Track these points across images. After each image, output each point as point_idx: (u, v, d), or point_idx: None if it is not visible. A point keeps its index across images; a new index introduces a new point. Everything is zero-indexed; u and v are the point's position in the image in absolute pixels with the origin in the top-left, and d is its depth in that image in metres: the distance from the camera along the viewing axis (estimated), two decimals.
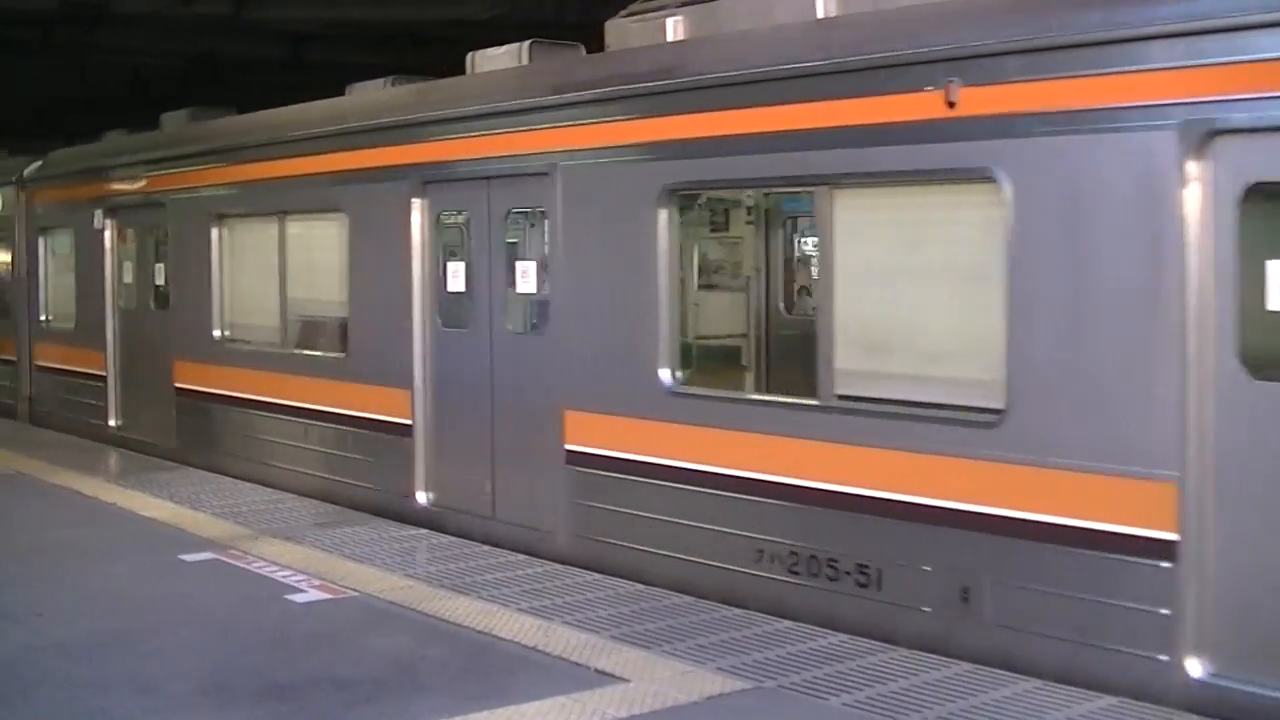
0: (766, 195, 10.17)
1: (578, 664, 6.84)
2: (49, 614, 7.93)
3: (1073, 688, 6.39)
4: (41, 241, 17.43)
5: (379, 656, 7.05)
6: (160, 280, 14.58)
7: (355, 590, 8.37)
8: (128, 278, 15.28)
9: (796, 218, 10.60)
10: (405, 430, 10.64)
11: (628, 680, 6.55)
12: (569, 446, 9.18)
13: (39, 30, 19.87)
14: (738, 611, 7.86)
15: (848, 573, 7.45)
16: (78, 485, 12.28)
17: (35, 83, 23.64)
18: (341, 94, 12.52)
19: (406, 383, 10.58)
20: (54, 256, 17.31)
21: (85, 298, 16.07)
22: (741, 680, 6.59)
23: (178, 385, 13.96)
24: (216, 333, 13.40)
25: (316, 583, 8.55)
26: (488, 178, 9.95)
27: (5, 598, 8.32)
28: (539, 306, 9.76)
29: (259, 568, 8.99)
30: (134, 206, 15.02)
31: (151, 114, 16.03)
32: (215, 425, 13.36)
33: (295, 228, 12.42)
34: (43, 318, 17.46)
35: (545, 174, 9.34)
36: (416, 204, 10.54)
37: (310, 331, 12.45)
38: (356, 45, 20.95)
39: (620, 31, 9.60)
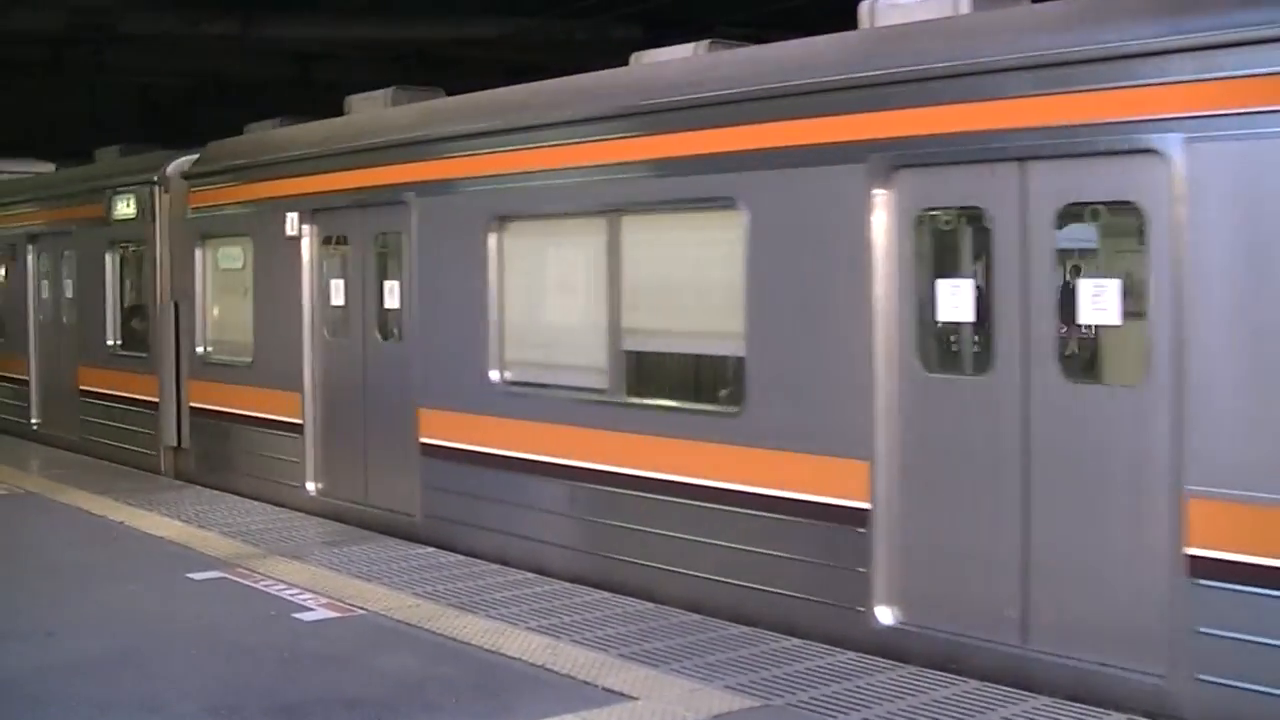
0: None
1: (586, 682, 6.82)
2: (58, 633, 7.93)
3: (1080, 704, 6.37)
4: (199, 254, 13.94)
5: (387, 675, 7.05)
6: (394, 302, 11.29)
7: (363, 609, 8.37)
8: (337, 299, 11.94)
9: None
10: (857, 518, 7.61)
11: (635, 698, 6.54)
12: (1193, 550, 6.28)
13: (48, 50, 20.02)
14: (746, 629, 7.84)
15: None
16: (85, 504, 12.28)
17: (44, 102, 23.76)
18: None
19: (860, 450, 7.58)
20: (217, 272, 14.04)
21: (269, 325, 12.71)
22: (750, 698, 6.58)
23: (424, 441, 10.74)
24: (494, 374, 10.19)
25: (324, 601, 8.55)
26: (1021, 158, 7.03)
27: (16, 617, 8.34)
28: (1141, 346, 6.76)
29: (267, 586, 8.98)
30: (350, 207, 11.71)
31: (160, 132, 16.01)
32: (494, 498, 10.16)
33: (636, 230, 9.31)
34: (201, 349, 13.95)
35: (1150, 150, 6.48)
36: (879, 196, 7.60)
37: (659, 373, 9.57)
38: (364, 64, 21.07)
39: None
